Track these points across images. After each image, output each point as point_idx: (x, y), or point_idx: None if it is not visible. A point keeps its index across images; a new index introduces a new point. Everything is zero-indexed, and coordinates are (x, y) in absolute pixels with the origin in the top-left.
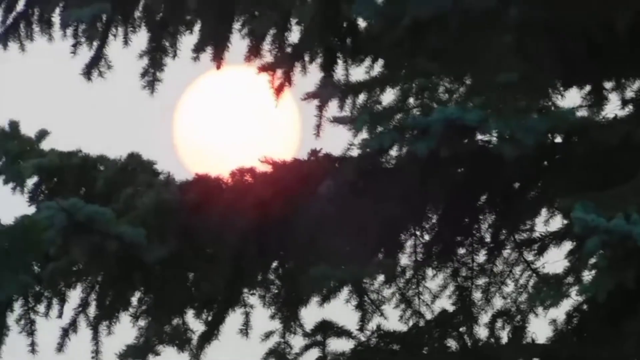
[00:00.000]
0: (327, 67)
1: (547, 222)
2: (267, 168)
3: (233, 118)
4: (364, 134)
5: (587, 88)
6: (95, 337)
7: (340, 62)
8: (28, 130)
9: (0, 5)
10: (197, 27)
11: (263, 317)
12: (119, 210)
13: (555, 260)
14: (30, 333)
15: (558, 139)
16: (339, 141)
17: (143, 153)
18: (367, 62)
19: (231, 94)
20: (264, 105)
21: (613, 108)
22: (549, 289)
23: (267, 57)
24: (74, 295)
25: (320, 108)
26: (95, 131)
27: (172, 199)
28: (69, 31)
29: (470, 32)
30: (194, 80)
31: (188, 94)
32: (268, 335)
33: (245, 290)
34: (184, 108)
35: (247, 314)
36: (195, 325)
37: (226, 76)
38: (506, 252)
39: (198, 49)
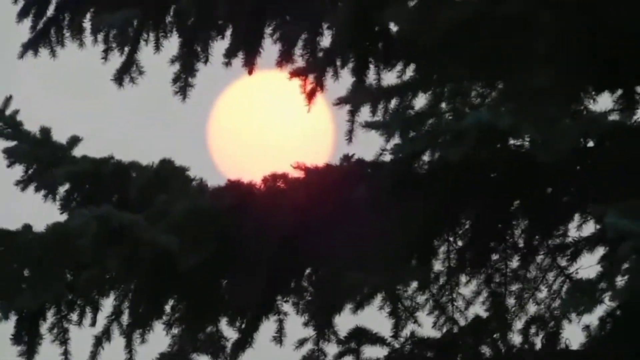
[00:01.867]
0: (359, 72)
1: (580, 228)
2: (300, 174)
3: (267, 123)
4: (396, 139)
5: (619, 92)
6: (129, 346)
7: (372, 66)
8: (59, 137)
9: (30, 11)
10: (228, 32)
11: (297, 325)
12: (153, 217)
13: (588, 266)
14: (63, 342)
15: (590, 144)
16: (372, 146)
17: (177, 159)
18: (399, 66)
19: (264, 100)
20: (297, 110)
21: None
22: (582, 295)
23: (299, 62)
24: (107, 304)
25: (352, 113)
26: (127, 137)
27: (206, 205)
28: (100, 36)
29: (502, 37)
30: (227, 85)
31: (221, 99)
32: (302, 342)
33: (279, 297)
34: (218, 114)
35: (280, 321)
36: (229, 332)
37: (259, 81)
38: (539, 258)
39: (230, 54)
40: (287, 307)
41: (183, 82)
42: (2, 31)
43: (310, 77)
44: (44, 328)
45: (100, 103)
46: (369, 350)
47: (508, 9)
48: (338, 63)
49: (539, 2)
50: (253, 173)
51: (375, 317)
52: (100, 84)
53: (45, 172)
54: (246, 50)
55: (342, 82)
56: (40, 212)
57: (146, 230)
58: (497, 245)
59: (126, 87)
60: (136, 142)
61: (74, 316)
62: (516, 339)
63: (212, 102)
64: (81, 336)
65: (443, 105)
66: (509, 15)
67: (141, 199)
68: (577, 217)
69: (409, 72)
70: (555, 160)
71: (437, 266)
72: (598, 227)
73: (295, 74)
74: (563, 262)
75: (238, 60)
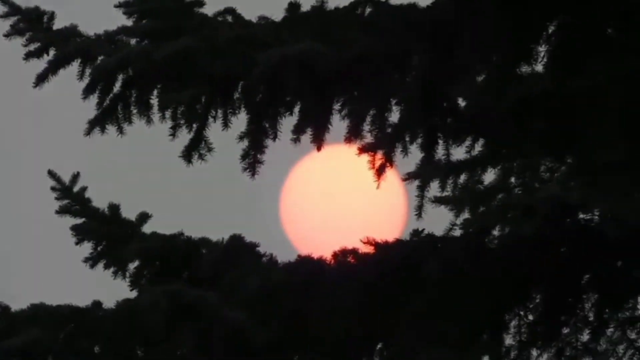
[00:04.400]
0: (428, 147)
1: None
2: (370, 249)
3: (339, 197)
4: (466, 214)
5: None
6: None
7: (441, 142)
8: (128, 213)
9: (97, 88)
10: (296, 108)
11: None
12: (224, 293)
13: None
14: None
15: None
16: (442, 221)
17: (250, 234)
18: (468, 141)
19: (335, 174)
20: (369, 184)
21: None
22: None
23: (368, 138)
24: None
25: (422, 188)
26: (197, 213)
27: (276, 281)
28: (168, 113)
29: (571, 111)
30: (297, 161)
31: (292, 174)
32: None
33: None
34: (289, 188)
35: None
36: None
37: (328, 156)
38: (610, 331)
39: (298, 130)
40: None
41: (252, 158)
42: (69, 105)
43: (379, 153)
44: None
45: (168, 179)
46: None
47: (577, 85)
48: (407, 138)
49: (609, 78)
50: (326, 247)
51: None
52: (167, 160)
53: (114, 249)
54: (315, 126)
55: (412, 157)
56: (109, 289)
57: (217, 307)
58: (568, 319)
59: (195, 164)
60: (206, 218)
61: None
62: None
63: (282, 178)
64: None
65: (512, 179)
66: (578, 91)
67: (212, 275)
68: None
69: (478, 147)
70: (625, 234)
71: (509, 340)
72: None
73: (364, 149)
74: (633, 335)
75: (307, 136)
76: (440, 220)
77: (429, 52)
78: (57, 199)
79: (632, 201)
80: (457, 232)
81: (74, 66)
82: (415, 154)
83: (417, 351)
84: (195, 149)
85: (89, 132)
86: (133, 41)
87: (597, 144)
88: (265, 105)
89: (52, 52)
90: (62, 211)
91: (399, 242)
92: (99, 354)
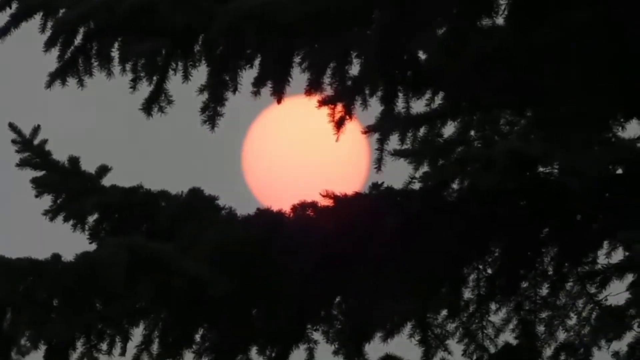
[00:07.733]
0: (388, 100)
1: (609, 255)
2: (329, 202)
3: (302, 151)
4: (425, 167)
5: None
6: None
7: (401, 95)
8: (88, 166)
9: (58, 40)
10: (257, 61)
11: (327, 353)
12: (182, 246)
13: (617, 293)
14: None
15: (619, 171)
16: (401, 175)
17: (212, 188)
18: (428, 94)
19: (295, 128)
20: (329, 138)
21: None
22: (611, 322)
23: (328, 90)
24: (137, 333)
25: (381, 141)
26: (157, 167)
27: (235, 235)
28: (128, 66)
29: (530, 65)
30: (257, 114)
31: (253, 128)
32: None
33: (309, 326)
34: (251, 142)
35: (310, 350)
36: None
37: (289, 109)
38: (569, 285)
39: (258, 83)
40: (317, 335)
41: (212, 111)
42: (31, 60)
43: (339, 106)
44: (73, 358)
45: (128, 132)
46: None
47: (536, 38)
48: (367, 91)
49: (568, 32)
50: (289, 199)
51: (405, 345)
52: (127, 113)
53: (74, 201)
54: (275, 79)
55: (371, 110)
56: (69, 241)
57: (176, 259)
58: (527, 273)
59: (155, 117)
60: (167, 172)
61: (104, 345)
62: None
63: (244, 131)
64: None
65: (472, 133)
66: (537, 44)
67: (171, 229)
68: (606, 244)
69: (438, 100)
70: (585, 188)
71: (467, 294)
72: (627, 253)
73: (324, 102)
74: (592, 289)
75: (267, 89)
76: (400, 174)
77: (390, 5)
78: (17, 151)
79: (591, 154)
80: (417, 186)
81: (36, 19)
82: (375, 107)
83: (375, 304)
84: (155, 101)
85: (49, 84)
86: None
87: (557, 97)
88: (226, 58)
89: (14, 5)
90: (22, 164)
91: (358, 196)
92: (58, 307)
